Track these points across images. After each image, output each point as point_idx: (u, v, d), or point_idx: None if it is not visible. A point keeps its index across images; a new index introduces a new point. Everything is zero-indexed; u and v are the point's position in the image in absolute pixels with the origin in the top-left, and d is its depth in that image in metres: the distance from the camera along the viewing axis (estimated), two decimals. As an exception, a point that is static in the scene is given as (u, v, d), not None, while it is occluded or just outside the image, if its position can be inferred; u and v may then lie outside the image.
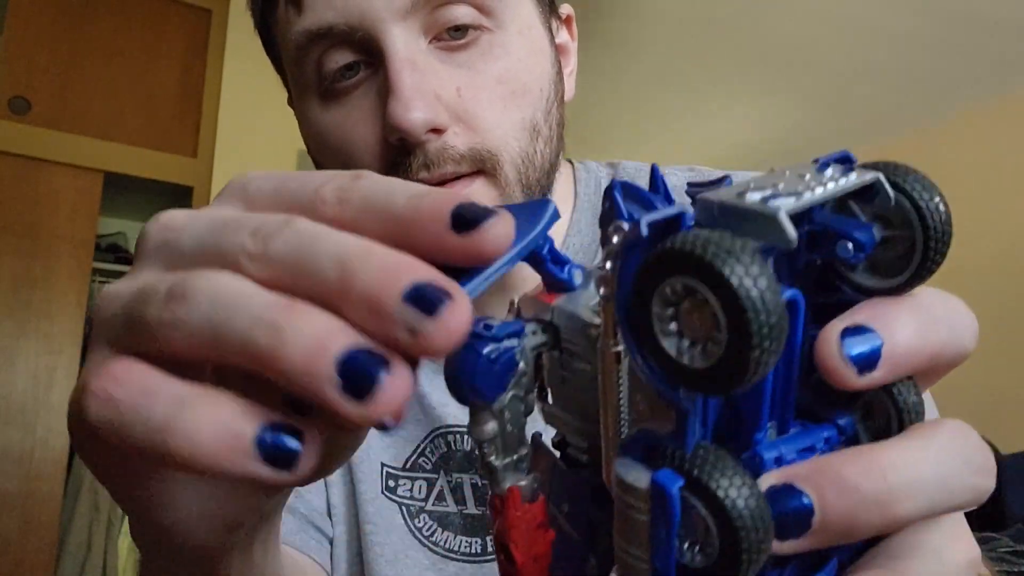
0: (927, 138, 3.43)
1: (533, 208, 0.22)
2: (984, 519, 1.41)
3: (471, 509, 0.56)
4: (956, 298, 0.22)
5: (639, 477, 0.19)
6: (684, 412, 0.18)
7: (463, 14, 0.48)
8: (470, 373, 0.21)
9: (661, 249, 0.17)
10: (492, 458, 0.22)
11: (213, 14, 3.02)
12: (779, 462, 0.19)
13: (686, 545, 0.18)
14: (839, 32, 2.80)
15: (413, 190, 0.20)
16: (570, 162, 0.64)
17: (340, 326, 0.18)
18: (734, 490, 0.17)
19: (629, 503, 0.19)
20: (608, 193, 0.22)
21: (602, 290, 0.19)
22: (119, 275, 3.11)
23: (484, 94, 0.49)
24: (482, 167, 0.49)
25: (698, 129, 3.60)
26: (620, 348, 0.20)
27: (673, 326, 0.17)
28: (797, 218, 0.19)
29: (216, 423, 0.18)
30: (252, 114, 2.94)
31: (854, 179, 0.19)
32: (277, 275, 0.19)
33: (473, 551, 0.55)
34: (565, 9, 0.60)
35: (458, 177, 0.49)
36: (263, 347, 0.18)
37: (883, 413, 0.20)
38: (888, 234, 0.20)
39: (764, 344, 0.16)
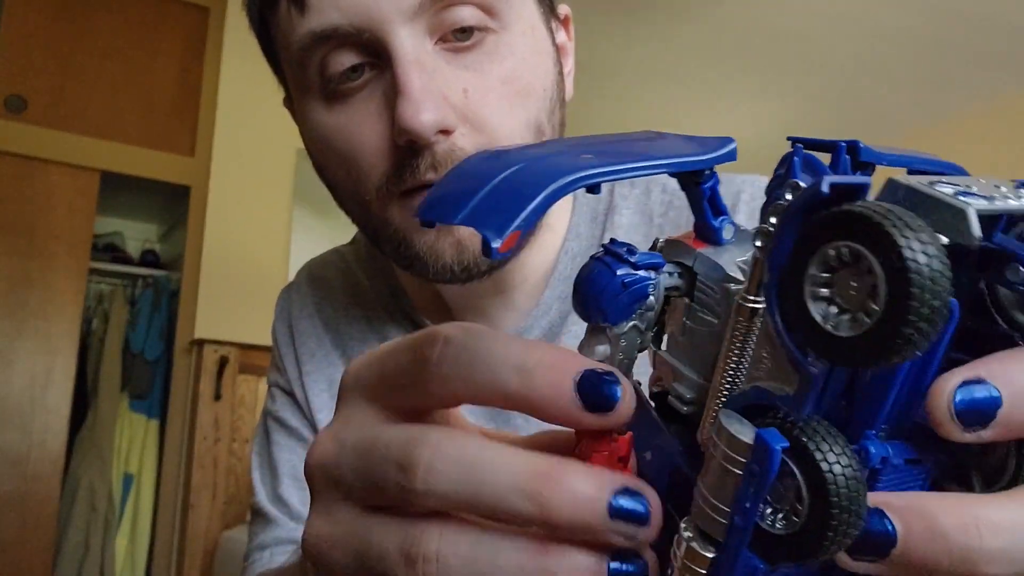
0: (928, 137, 3.43)
1: (714, 142, 0.22)
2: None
3: None
4: None
5: (743, 431, 0.18)
6: (809, 378, 0.18)
7: (468, 15, 0.48)
8: (599, 290, 0.21)
9: (839, 210, 0.17)
10: None
11: (211, 13, 3.01)
12: (884, 462, 0.19)
13: (769, 509, 0.18)
14: (842, 32, 2.79)
15: (514, 360, 0.21)
16: None
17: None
18: (838, 466, 0.17)
19: (727, 455, 0.19)
20: (786, 159, 0.21)
21: (759, 242, 0.19)
22: (116, 275, 3.11)
23: (490, 95, 0.49)
24: None
25: (699, 127, 3.60)
26: (758, 305, 0.19)
27: (825, 291, 0.17)
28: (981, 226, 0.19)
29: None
30: (250, 113, 2.93)
31: None
32: (462, 510, 0.21)
33: None
34: (563, 9, 0.60)
35: None
36: None
37: (1002, 455, 0.20)
38: None
39: (921, 324, 0.15)
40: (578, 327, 0.56)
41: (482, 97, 0.48)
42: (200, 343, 2.73)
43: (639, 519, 0.20)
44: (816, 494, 0.17)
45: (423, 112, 0.45)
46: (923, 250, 0.15)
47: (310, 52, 0.49)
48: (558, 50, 0.56)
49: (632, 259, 0.21)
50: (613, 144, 0.21)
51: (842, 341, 0.17)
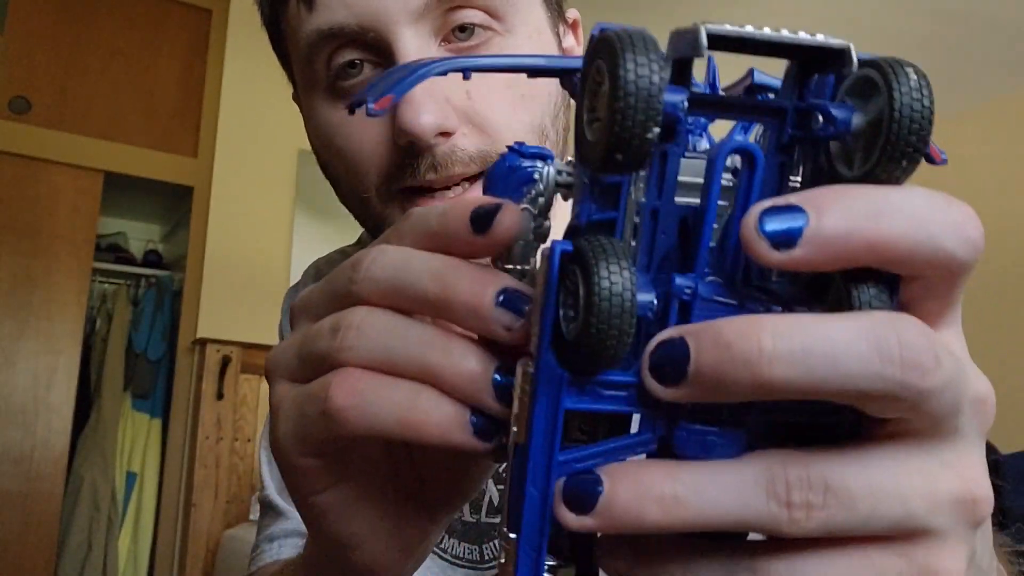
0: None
1: None
2: (984, 519, 1.41)
3: (467, 516, 0.56)
4: (955, 201, 0.20)
5: (545, 248, 0.21)
6: (580, 188, 0.21)
7: (474, 17, 0.49)
8: (492, 174, 0.25)
9: (598, 36, 0.20)
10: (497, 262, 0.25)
11: (213, 14, 3.02)
12: (692, 294, 0.20)
13: (564, 316, 0.20)
14: (840, 32, 2.79)
15: (438, 208, 0.25)
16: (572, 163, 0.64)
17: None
18: (605, 270, 0.19)
19: (538, 275, 0.21)
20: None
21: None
22: (119, 275, 3.12)
23: (493, 97, 0.49)
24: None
25: (698, 129, 3.60)
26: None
27: (593, 112, 0.20)
28: (789, 90, 0.22)
29: (445, 406, 0.23)
30: (252, 114, 2.94)
31: (819, 38, 0.20)
32: (388, 298, 0.25)
33: (474, 557, 0.56)
34: (572, 14, 0.60)
35: (466, 179, 0.49)
36: (433, 364, 0.24)
37: (835, 304, 0.21)
38: (874, 126, 0.20)
39: (628, 105, 0.18)
40: None
41: (485, 99, 0.49)
42: (202, 342, 2.74)
43: (517, 312, 0.23)
44: (587, 294, 0.19)
45: (423, 115, 0.46)
46: (635, 61, 0.18)
47: (317, 49, 0.49)
48: (565, 55, 0.57)
49: (518, 149, 0.25)
50: (505, 56, 0.27)
51: (588, 145, 0.20)
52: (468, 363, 0.23)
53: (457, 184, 0.49)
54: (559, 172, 0.25)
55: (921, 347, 0.19)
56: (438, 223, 0.25)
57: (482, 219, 0.23)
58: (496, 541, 0.55)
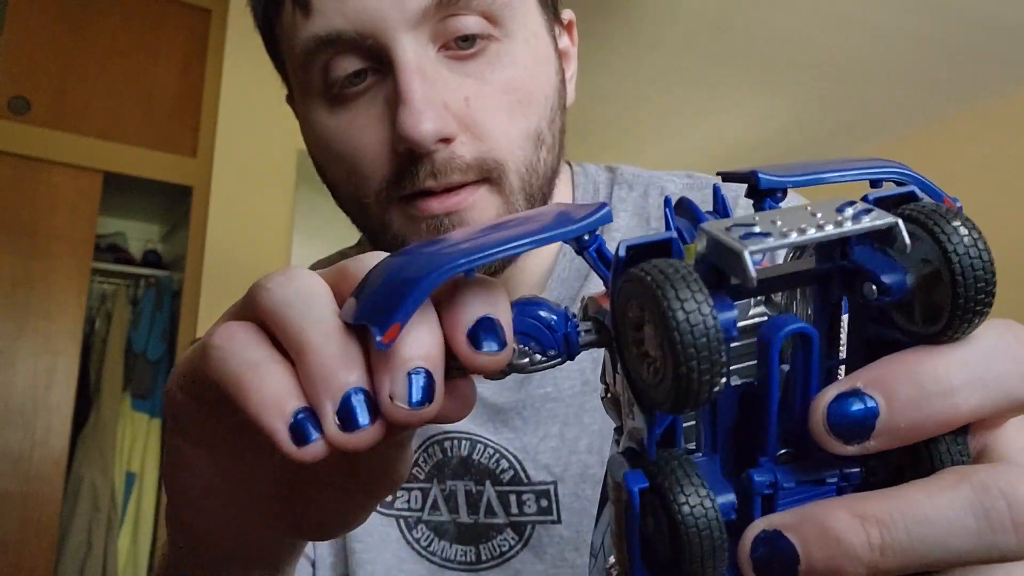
0: (926, 137, 3.43)
1: (590, 208, 0.23)
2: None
3: (464, 518, 0.56)
4: (1019, 334, 0.20)
5: (618, 473, 0.20)
6: (648, 420, 0.20)
7: (472, 24, 0.48)
8: (524, 303, 0.23)
9: (628, 274, 0.19)
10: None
11: (212, 14, 3.02)
12: (774, 487, 0.20)
13: (657, 539, 0.19)
14: (840, 31, 2.80)
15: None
16: (569, 165, 0.64)
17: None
18: (687, 506, 0.18)
19: (614, 496, 0.21)
20: (666, 203, 0.23)
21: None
22: (119, 275, 3.11)
23: (491, 103, 0.49)
24: (488, 176, 0.49)
25: (699, 127, 3.60)
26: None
27: (642, 345, 0.19)
28: (829, 249, 0.20)
29: (280, 386, 0.22)
30: (252, 114, 2.93)
31: (865, 223, 0.19)
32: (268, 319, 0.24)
33: (468, 559, 0.55)
34: (567, 14, 0.60)
35: (463, 185, 0.49)
36: (305, 341, 0.23)
37: (913, 458, 0.20)
38: (927, 278, 0.19)
39: (691, 363, 0.17)
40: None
41: (483, 106, 0.49)
42: (202, 343, 2.73)
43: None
44: (673, 532, 0.18)
45: (424, 122, 0.45)
46: (684, 310, 0.17)
47: (313, 55, 0.49)
48: (560, 56, 0.56)
49: (532, 312, 0.23)
50: (494, 230, 0.23)
51: (649, 387, 0.19)
52: (331, 360, 0.21)
53: (456, 191, 0.49)
54: (586, 331, 0.23)
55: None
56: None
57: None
58: (494, 541, 0.55)
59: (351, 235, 0.70)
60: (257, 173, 3.00)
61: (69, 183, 2.72)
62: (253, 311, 0.25)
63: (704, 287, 0.17)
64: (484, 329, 0.21)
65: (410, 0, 0.46)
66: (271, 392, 0.22)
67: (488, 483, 0.55)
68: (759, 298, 0.22)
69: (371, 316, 0.20)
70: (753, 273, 0.18)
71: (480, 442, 0.56)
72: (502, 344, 0.21)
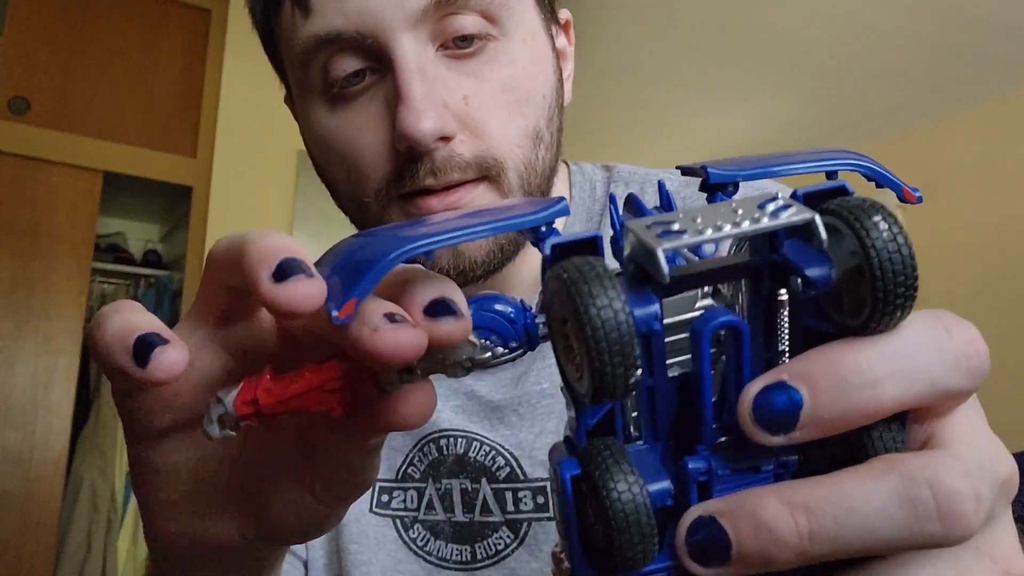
0: (925, 137, 3.43)
1: (546, 202, 0.23)
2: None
3: (459, 516, 0.56)
4: (955, 326, 0.20)
5: (554, 461, 0.21)
6: (578, 413, 0.21)
7: (471, 23, 0.49)
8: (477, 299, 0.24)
9: (550, 272, 0.19)
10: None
11: (213, 14, 3.02)
12: (709, 474, 0.20)
13: (592, 528, 0.20)
14: (838, 31, 2.80)
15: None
16: (566, 164, 0.64)
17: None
18: (615, 492, 0.19)
19: (551, 483, 0.21)
20: (611, 200, 0.24)
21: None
22: (119, 275, 3.12)
23: (490, 102, 0.49)
24: (487, 174, 0.50)
25: (697, 126, 3.60)
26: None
27: (566, 340, 0.19)
28: (759, 244, 0.21)
29: (127, 315, 0.24)
30: (252, 114, 2.94)
31: (783, 218, 0.19)
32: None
33: (464, 559, 0.55)
34: (564, 14, 0.60)
35: (463, 183, 0.49)
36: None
37: (849, 446, 0.20)
38: (853, 271, 0.19)
39: (603, 358, 0.17)
40: None
41: (482, 104, 0.49)
42: (202, 343, 2.74)
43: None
44: (604, 519, 0.19)
45: (423, 120, 0.46)
46: (595, 304, 0.17)
47: (313, 55, 0.49)
48: (558, 55, 0.57)
49: (502, 310, 0.24)
50: (461, 218, 0.24)
51: (573, 381, 0.19)
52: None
53: (455, 188, 0.49)
54: (539, 327, 0.23)
55: (957, 493, 0.18)
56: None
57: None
58: (490, 540, 0.55)
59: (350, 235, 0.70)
60: (257, 173, 3.00)
61: (69, 183, 2.72)
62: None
63: (617, 284, 0.18)
64: (439, 304, 0.21)
65: (409, 0, 0.46)
66: (115, 321, 0.23)
67: (484, 481, 0.55)
68: (706, 291, 0.23)
69: (328, 292, 0.21)
70: (665, 270, 0.18)
71: (476, 439, 0.56)
72: (458, 315, 0.21)
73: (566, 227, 0.60)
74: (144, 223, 3.48)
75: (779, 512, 0.19)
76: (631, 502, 0.19)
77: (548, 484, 0.54)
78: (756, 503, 0.19)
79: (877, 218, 0.19)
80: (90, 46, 2.82)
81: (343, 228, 0.65)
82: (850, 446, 0.20)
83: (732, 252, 0.23)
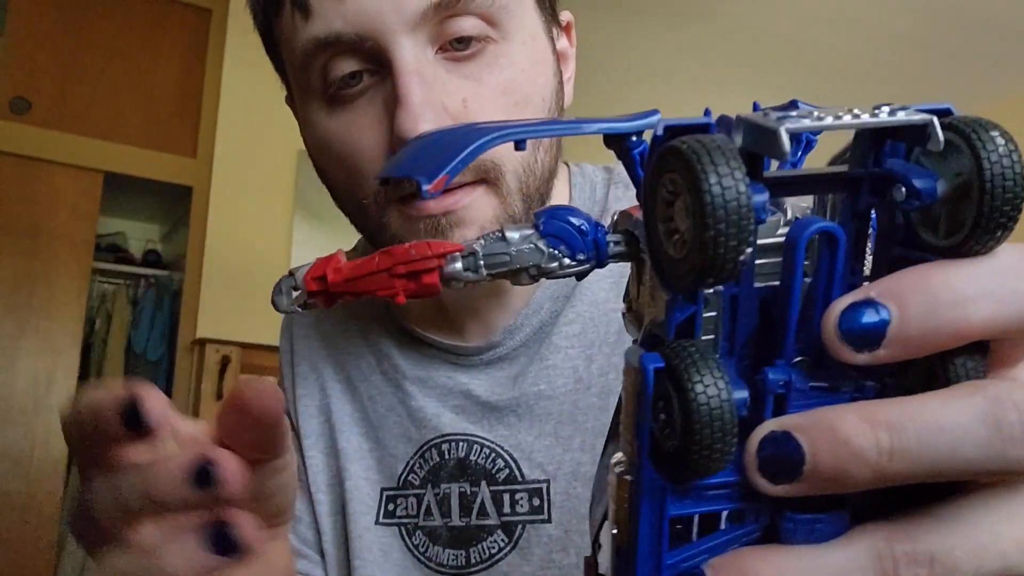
0: (927, 138, 3.43)
1: (640, 114, 0.23)
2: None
3: (456, 521, 0.56)
4: None
5: (634, 358, 0.20)
6: (670, 301, 0.20)
7: (470, 26, 0.48)
8: (551, 213, 0.24)
9: (665, 147, 0.18)
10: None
11: (213, 14, 3.02)
12: (787, 386, 0.20)
13: (661, 429, 0.19)
14: (840, 31, 2.80)
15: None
16: (566, 165, 0.64)
17: None
18: (701, 386, 0.18)
19: (626, 381, 0.20)
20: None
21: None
22: (119, 275, 3.12)
23: (489, 105, 0.49)
24: (485, 177, 0.50)
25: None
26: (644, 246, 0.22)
27: (671, 221, 0.19)
28: (864, 154, 0.20)
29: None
30: (252, 114, 2.94)
31: (901, 116, 0.19)
32: None
33: (459, 563, 0.56)
34: (565, 16, 0.60)
35: (461, 186, 0.49)
36: None
37: (927, 373, 0.20)
38: (958, 190, 0.19)
39: (719, 227, 0.17)
40: (568, 327, 0.56)
41: (481, 107, 0.49)
42: (202, 343, 2.74)
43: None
44: (685, 414, 0.18)
45: (421, 123, 0.46)
46: (717, 175, 0.17)
47: (313, 57, 0.49)
48: (558, 57, 0.56)
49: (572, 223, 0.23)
50: (550, 121, 0.25)
51: (674, 262, 0.18)
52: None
53: (453, 191, 0.49)
54: (615, 243, 0.23)
55: None
56: None
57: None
58: (484, 544, 0.55)
59: (351, 236, 0.70)
60: (257, 173, 3.00)
61: (70, 183, 2.73)
62: None
63: (741, 163, 0.17)
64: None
65: (409, 2, 0.46)
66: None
67: (484, 483, 0.56)
68: (789, 219, 0.22)
69: (415, 169, 0.21)
70: (787, 147, 0.18)
71: (477, 442, 0.56)
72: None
73: None
74: (144, 223, 3.49)
75: (859, 427, 0.18)
76: (716, 397, 0.18)
77: (543, 486, 0.54)
78: (835, 417, 0.18)
79: (995, 133, 0.19)
80: (91, 47, 2.82)
81: (343, 228, 0.65)
82: (928, 376, 0.20)
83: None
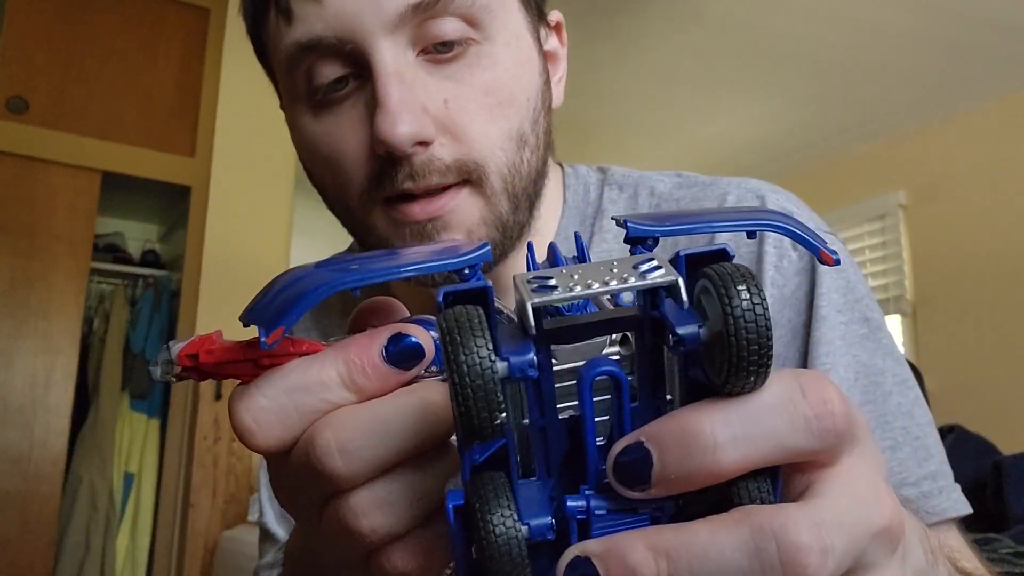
0: (925, 137, 3.43)
1: (469, 247, 0.26)
2: (985, 520, 1.40)
3: None
4: (811, 388, 0.22)
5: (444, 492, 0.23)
6: (463, 447, 0.22)
7: (451, 28, 0.49)
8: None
9: (437, 318, 0.21)
10: None
11: (211, 13, 3.02)
12: (587, 512, 0.22)
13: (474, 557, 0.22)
14: (840, 31, 2.80)
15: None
16: (560, 166, 0.64)
17: None
18: (491, 523, 0.20)
19: (447, 528, 0.23)
20: (528, 248, 0.27)
21: None
22: (117, 275, 3.11)
23: (471, 105, 0.49)
24: (468, 177, 0.50)
25: (700, 127, 3.60)
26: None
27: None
28: (643, 300, 0.23)
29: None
30: (250, 114, 2.93)
31: (649, 279, 0.21)
32: None
33: None
34: (555, 16, 0.60)
35: (446, 188, 0.49)
36: None
37: (722, 494, 0.22)
38: (716, 336, 0.21)
39: (468, 403, 0.19)
40: None
41: (462, 108, 0.49)
42: (201, 343, 2.73)
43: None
44: (478, 545, 0.21)
45: (399, 125, 0.46)
46: (463, 352, 0.20)
47: (296, 61, 0.50)
48: (546, 58, 0.56)
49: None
50: (388, 257, 0.26)
51: (455, 418, 0.21)
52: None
53: (436, 192, 0.49)
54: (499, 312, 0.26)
55: (801, 545, 0.20)
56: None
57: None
58: None
59: (350, 236, 0.70)
60: (256, 173, 3.00)
61: (67, 183, 2.72)
62: None
63: (488, 335, 0.20)
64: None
65: (387, 5, 0.47)
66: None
67: None
68: (614, 338, 0.25)
69: (259, 319, 0.24)
70: (532, 323, 0.21)
71: None
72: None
73: (560, 230, 0.60)
74: (143, 223, 3.48)
75: (644, 556, 0.20)
76: (504, 535, 0.20)
77: None
78: (626, 546, 0.20)
79: (741, 287, 0.20)
80: (88, 46, 2.82)
81: (341, 228, 0.65)
82: (723, 495, 0.22)
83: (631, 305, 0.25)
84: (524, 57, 0.53)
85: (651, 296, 0.22)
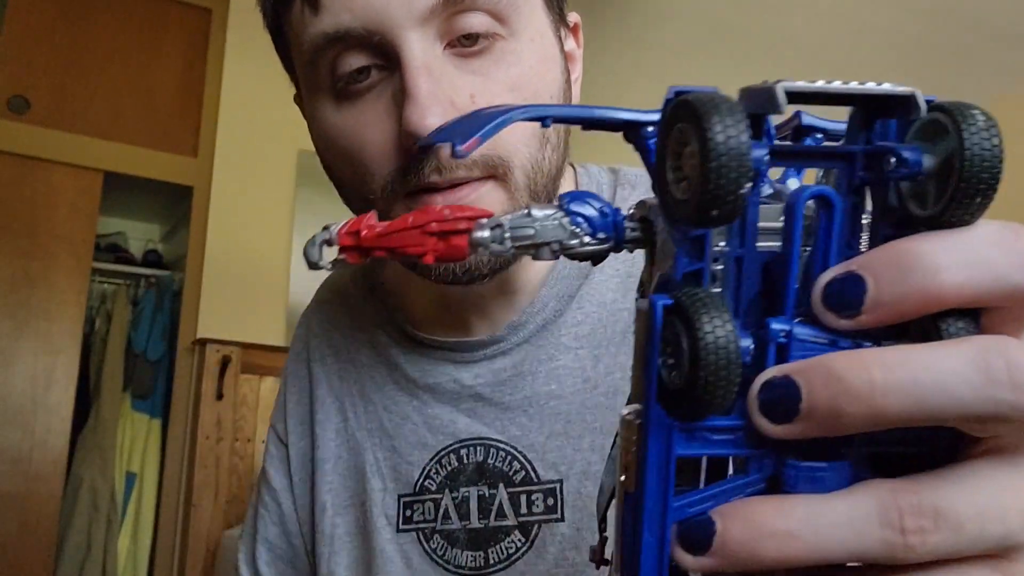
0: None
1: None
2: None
3: (475, 523, 0.57)
4: (1020, 230, 0.21)
5: (644, 302, 0.21)
6: (679, 251, 0.21)
7: (479, 22, 0.49)
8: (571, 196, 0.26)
9: (677, 100, 0.20)
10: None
11: (213, 13, 3.02)
12: (788, 336, 0.21)
13: (672, 370, 0.20)
14: (840, 32, 2.80)
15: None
16: (572, 166, 0.64)
17: None
18: (709, 323, 0.19)
19: (636, 328, 0.22)
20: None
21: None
22: (119, 275, 3.12)
23: (496, 101, 0.49)
24: (493, 172, 0.50)
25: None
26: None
27: (680, 170, 0.20)
28: (859, 131, 0.22)
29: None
30: (252, 114, 2.93)
31: (886, 87, 0.21)
32: None
33: (477, 564, 0.56)
34: (573, 17, 0.60)
35: (468, 182, 0.49)
36: None
37: (922, 335, 0.21)
38: (943, 165, 0.21)
39: (721, 164, 0.18)
40: (578, 328, 0.57)
41: (488, 103, 0.49)
42: (202, 343, 2.74)
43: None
44: (693, 349, 0.19)
45: (429, 117, 0.46)
46: (721, 118, 0.19)
47: (322, 52, 0.49)
48: (566, 57, 0.57)
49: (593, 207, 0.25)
50: (580, 107, 0.27)
51: (680, 203, 0.20)
52: None
53: (461, 186, 0.49)
54: (631, 229, 0.24)
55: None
56: None
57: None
58: (502, 544, 0.55)
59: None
60: (257, 173, 3.00)
61: (69, 182, 2.72)
62: None
63: (743, 114, 0.19)
64: None
65: None
66: None
67: (501, 485, 0.56)
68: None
69: (451, 135, 0.25)
70: (782, 100, 0.20)
71: (494, 446, 0.57)
72: None
73: None
74: (144, 223, 3.49)
75: (853, 364, 0.19)
76: (724, 337, 0.19)
77: (557, 486, 0.55)
78: (831, 359, 0.19)
79: (976, 111, 0.21)
80: (90, 45, 2.82)
81: (345, 228, 0.65)
82: (925, 338, 0.21)
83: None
84: (548, 55, 0.53)
85: (865, 131, 0.22)
